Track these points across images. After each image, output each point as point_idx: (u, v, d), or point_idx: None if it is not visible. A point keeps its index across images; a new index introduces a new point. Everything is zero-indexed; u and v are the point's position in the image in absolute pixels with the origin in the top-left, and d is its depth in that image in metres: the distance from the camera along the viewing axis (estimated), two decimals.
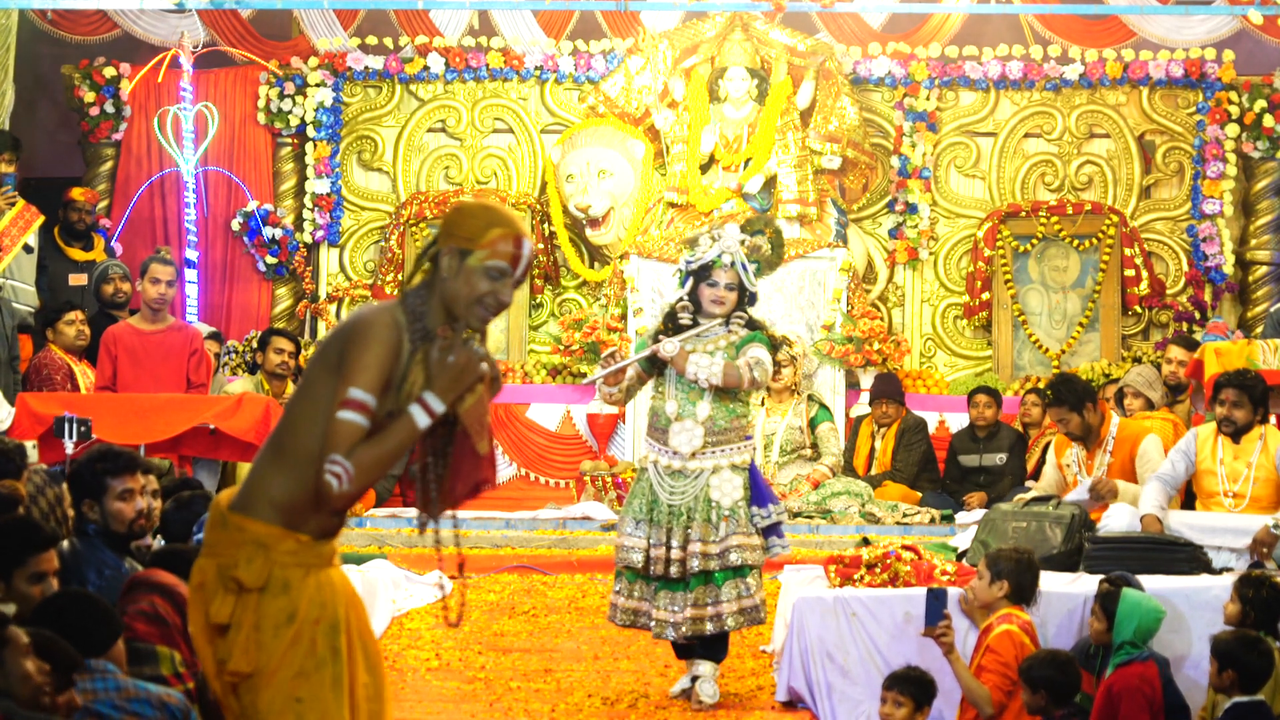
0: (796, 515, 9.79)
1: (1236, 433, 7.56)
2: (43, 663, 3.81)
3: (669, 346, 6.70)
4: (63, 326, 10.14)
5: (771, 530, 6.71)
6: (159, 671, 4.50)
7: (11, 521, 4.84)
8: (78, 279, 11.21)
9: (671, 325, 6.86)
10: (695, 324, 6.81)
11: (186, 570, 4.81)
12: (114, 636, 4.25)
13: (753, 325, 6.84)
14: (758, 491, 6.73)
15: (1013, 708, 5.85)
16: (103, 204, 12.41)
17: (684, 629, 6.59)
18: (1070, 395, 8.19)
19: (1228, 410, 7.53)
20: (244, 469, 9.45)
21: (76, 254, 11.40)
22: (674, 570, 6.61)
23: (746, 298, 6.85)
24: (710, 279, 6.79)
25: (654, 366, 6.84)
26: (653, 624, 6.68)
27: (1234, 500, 7.54)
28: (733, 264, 6.78)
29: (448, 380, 3.59)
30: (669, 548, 6.63)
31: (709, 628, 6.59)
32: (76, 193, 11.51)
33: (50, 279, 11.23)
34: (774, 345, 6.91)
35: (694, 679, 6.71)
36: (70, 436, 8.47)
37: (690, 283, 6.85)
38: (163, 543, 5.82)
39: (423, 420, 3.59)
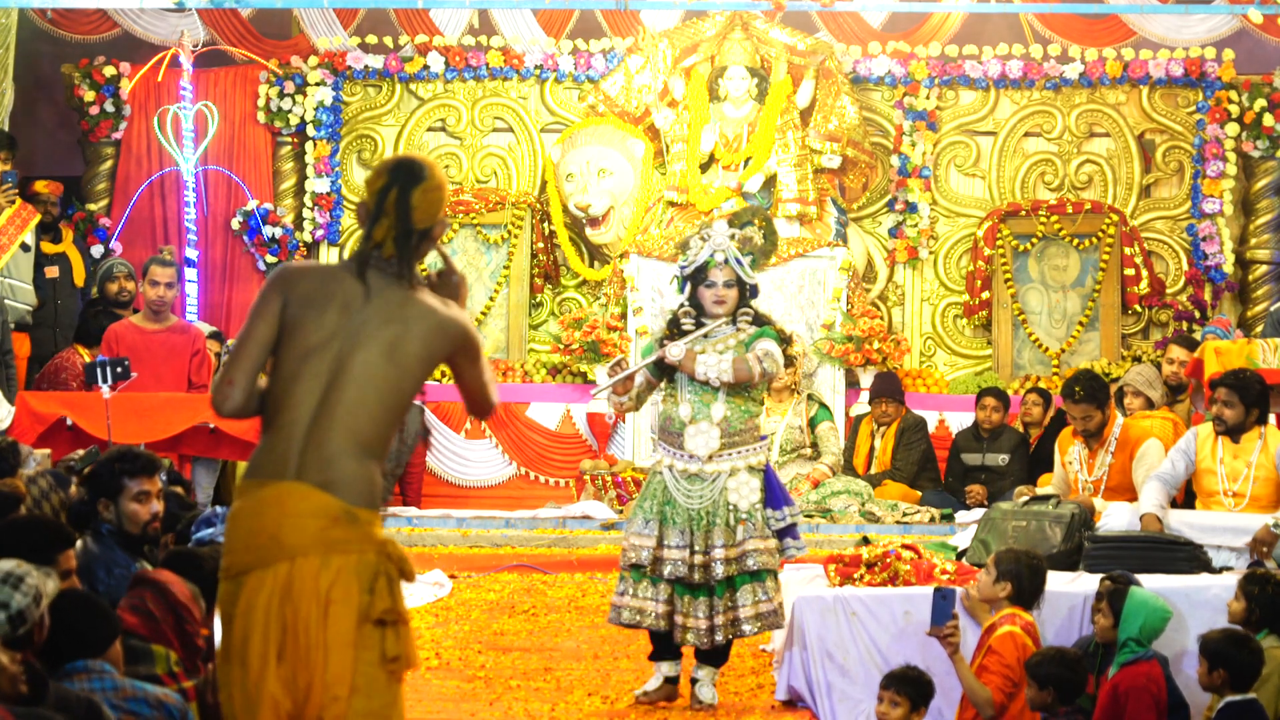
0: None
1: (1230, 431, 7.56)
2: (15, 653, 3.81)
3: (675, 350, 6.62)
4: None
5: (786, 532, 6.64)
6: (154, 671, 4.51)
7: (41, 519, 4.89)
8: (51, 271, 11.22)
9: (675, 331, 6.77)
10: (700, 326, 6.74)
11: (196, 572, 4.84)
12: (112, 637, 4.25)
13: (759, 321, 6.77)
14: (772, 493, 6.65)
15: (1013, 709, 5.84)
16: (103, 203, 12.43)
17: (718, 635, 6.53)
18: (1102, 393, 8.23)
19: (1219, 409, 7.55)
20: (244, 468, 9.44)
21: (46, 247, 11.34)
22: (697, 576, 6.55)
23: (748, 292, 6.77)
24: (707, 280, 6.71)
25: (663, 372, 6.76)
26: (676, 628, 6.58)
27: (1234, 500, 7.54)
28: (726, 260, 6.69)
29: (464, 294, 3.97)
30: (692, 551, 6.56)
31: (719, 637, 6.55)
32: (40, 185, 11.42)
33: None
34: (783, 339, 6.84)
35: (693, 681, 6.66)
36: (106, 380, 8.48)
37: (688, 287, 6.78)
38: None
39: None
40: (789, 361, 6.76)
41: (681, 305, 6.83)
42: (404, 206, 3.79)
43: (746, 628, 6.56)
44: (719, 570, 6.52)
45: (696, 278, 6.76)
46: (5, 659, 3.77)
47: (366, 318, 3.72)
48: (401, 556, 3.68)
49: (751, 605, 6.53)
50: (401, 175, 3.80)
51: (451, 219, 12.30)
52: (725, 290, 6.72)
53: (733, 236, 6.76)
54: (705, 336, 6.71)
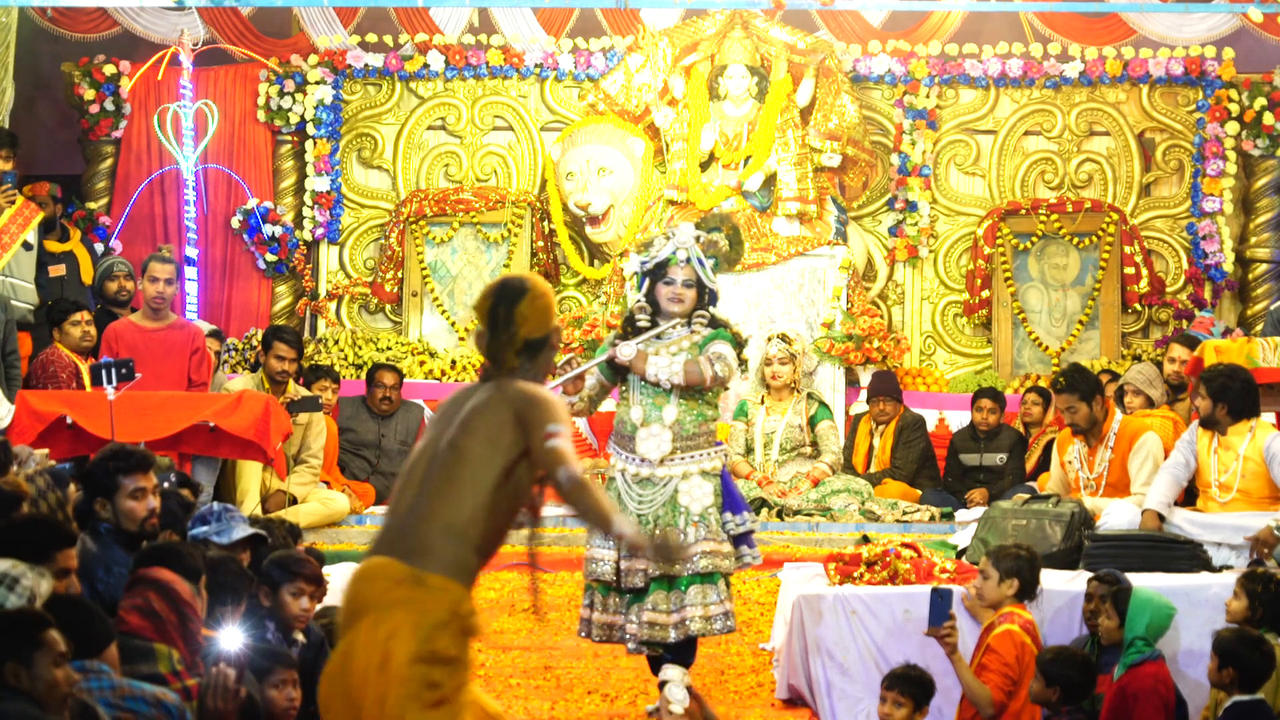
0: (796, 513, 9.79)
1: (1206, 423, 7.63)
2: (73, 673, 3.83)
3: (626, 350, 6.51)
4: (68, 327, 10.09)
5: (743, 539, 6.49)
6: (156, 669, 4.51)
7: (39, 518, 4.90)
8: (56, 270, 11.18)
9: (631, 328, 6.67)
10: (655, 325, 6.63)
11: (178, 564, 4.84)
12: (107, 638, 4.26)
13: (715, 324, 6.65)
14: (730, 498, 6.51)
15: (1013, 708, 5.85)
16: (102, 201, 12.42)
17: (642, 635, 6.32)
18: (1084, 384, 8.24)
19: (1197, 401, 7.66)
20: (245, 466, 9.45)
21: (52, 245, 11.27)
22: (639, 580, 6.36)
23: (707, 295, 6.65)
24: (666, 277, 6.60)
25: (617, 374, 6.64)
26: (627, 638, 6.43)
27: (1221, 492, 7.57)
28: (688, 260, 6.59)
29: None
30: (639, 558, 6.36)
31: (672, 634, 6.31)
32: (27, 188, 11.38)
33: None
34: (739, 343, 6.68)
35: (661, 685, 6.38)
36: (110, 382, 8.47)
37: (647, 284, 6.67)
38: None
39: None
40: (743, 363, 6.60)
41: (638, 301, 6.72)
42: (511, 321, 4.17)
43: (695, 626, 6.29)
44: (654, 568, 6.30)
45: (656, 274, 6.65)
46: (61, 677, 3.79)
47: (456, 420, 4.14)
48: (470, 614, 4.04)
49: (701, 606, 6.31)
50: (506, 294, 4.19)
51: (451, 217, 12.32)
52: (684, 290, 6.61)
53: (698, 238, 6.68)
54: (659, 337, 6.59)
